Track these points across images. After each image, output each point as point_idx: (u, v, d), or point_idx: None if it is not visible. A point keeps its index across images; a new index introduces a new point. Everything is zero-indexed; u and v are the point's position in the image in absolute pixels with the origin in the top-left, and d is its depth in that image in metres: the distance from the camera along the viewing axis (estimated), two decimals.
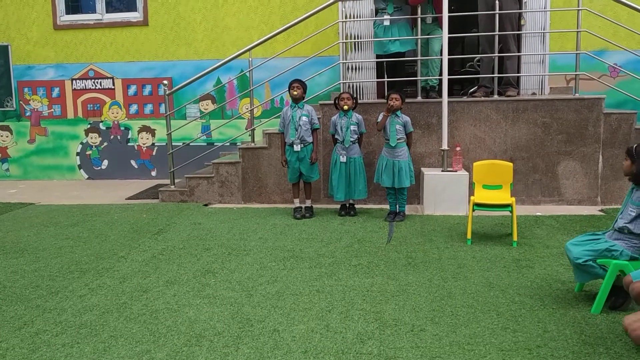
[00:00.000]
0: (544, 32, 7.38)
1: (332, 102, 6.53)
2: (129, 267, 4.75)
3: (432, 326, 3.49)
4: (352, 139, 6.26)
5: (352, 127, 6.27)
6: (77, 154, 9.32)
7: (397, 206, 6.20)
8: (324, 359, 3.12)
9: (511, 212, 5.19)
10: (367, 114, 6.79)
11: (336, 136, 6.36)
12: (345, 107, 6.19)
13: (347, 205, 6.49)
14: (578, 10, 6.67)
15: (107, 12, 9.01)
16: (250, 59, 7.33)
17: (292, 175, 6.44)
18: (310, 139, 6.37)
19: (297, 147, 6.30)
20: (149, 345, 3.32)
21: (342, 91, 6.78)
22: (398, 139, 6.04)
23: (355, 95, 6.56)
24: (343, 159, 6.27)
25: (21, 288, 4.33)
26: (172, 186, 7.45)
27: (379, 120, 6.23)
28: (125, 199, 7.63)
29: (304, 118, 6.30)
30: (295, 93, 6.31)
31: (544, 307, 3.74)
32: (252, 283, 4.31)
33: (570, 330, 3.39)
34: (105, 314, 3.80)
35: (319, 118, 6.70)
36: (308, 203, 6.52)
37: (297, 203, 6.50)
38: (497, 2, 6.70)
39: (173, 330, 3.53)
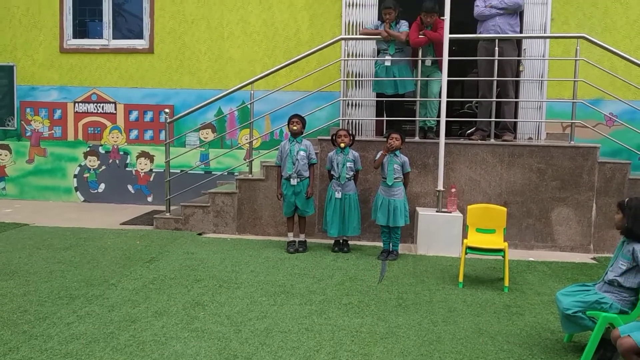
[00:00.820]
0: (542, 80, 7.53)
1: (330, 138, 6.56)
2: (119, 296, 4.74)
3: None
4: (347, 176, 6.32)
5: (348, 164, 6.31)
6: (75, 176, 9.35)
7: (391, 245, 6.21)
8: None
9: (503, 257, 5.20)
10: (364, 150, 6.86)
11: (332, 172, 6.42)
12: (342, 145, 6.29)
13: (341, 241, 6.50)
14: (576, 60, 6.80)
15: (113, 38, 9.14)
16: (252, 91, 7.42)
17: (288, 209, 6.45)
18: (306, 174, 6.41)
19: (293, 181, 6.33)
20: None
21: (340, 128, 6.82)
22: (395, 178, 6.08)
23: (352, 133, 6.58)
24: (338, 195, 6.32)
25: (9, 312, 4.31)
26: (168, 213, 7.46)
27: (376, 157, 6.26)
28: (120, 224, 7.63)
29: (301, 153, 6.36)
30: (294, 128, 6.38)
31: (532, 357, 3.74)
32: (242, 318, 4.29)
33: None
34: (92, 343, 3.78)
35: (316, 153, 6.78)
36: (302, 237, 6.52)
37: (290, 237, 6.49)
38: (497, 48, 6.83)
39: None
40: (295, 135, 6.42)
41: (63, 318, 4.21)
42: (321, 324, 4.22)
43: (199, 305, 4.54)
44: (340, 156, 6.33)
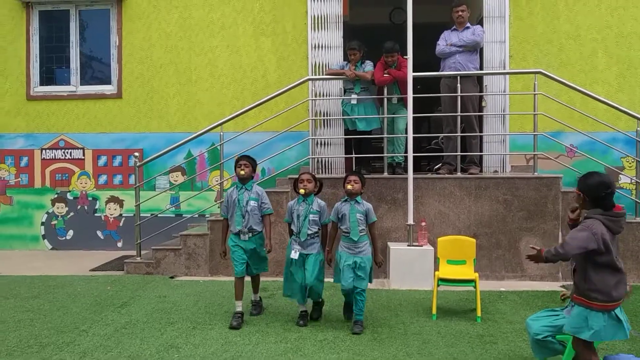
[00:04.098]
0: (504, 114, 7.78)
1: (292, 184, 5.64)
2: (90, 342, 4.65)
3: None
4: (310, 232, 5.08)
5: (311, 217, 5.10)
6: (42, 223, 9.20)
7: (354, 313, 4.99)
8: None
9: (475, 287, 5.28)
10: (334, 187, 6.93)
11: (292, 226, 5.24)
12: (302, 192, 5.11)
13: (306, 312, 5.22)
14: (534, 94, 7.07)
15: (82, 84, 9.17)
16: (221, 132, 7.49)
17: (238, 268, 5.24)
18: (259, 228, 5.30)
19: (244, 237, 5.23)
20: None
21: (303, 171, 5.76)
22: (360, 232, 4.99)
23: (319, 178, 5.37)
24: (294, 254, 5.08)
25: None
26: (138, 258, 7.38)
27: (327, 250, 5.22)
28: (90, 270, 7.51)
29: (252, 203, 5.25)
30: (242, 172, 5.25)
31: None
32: (217, 358, 4.25)
33: None
34: None
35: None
36: (256, 297, 5.52)
37: (238, 307, 5.16)
38: (458, 85, 7.07)
39: None
40: (243, 181, 5.30)
41: None
42: None
43: (173, 348, 4.48)
44: (302, 206, 5.13)
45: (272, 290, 6.28)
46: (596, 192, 3.46)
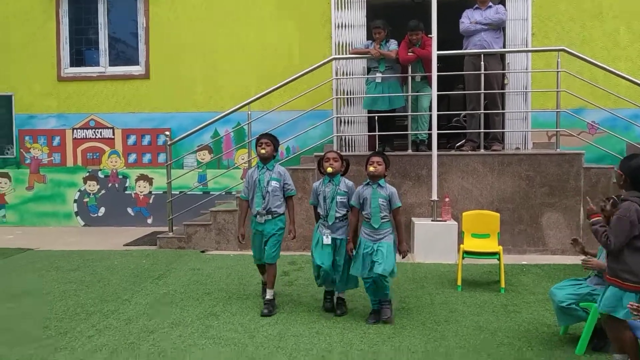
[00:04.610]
0: (526, 91, 7.87)
1: (316, 164, 5.16)
2: (133, 310, 4.92)
3: None
4: (338, 214, 4.74)
5: (339, 198, 4.75)
6: (75, 201, 9.52)
7: (379, 300, 4.65)
8: None
9: (499, 259, 5.46)
10: (359, 164, 7.07)
11: (318, 209, 4.88)
12: (330, 170, 4.74)
13: (335, 299, 4.91)
14: (557, 71, 7.15)
15: (110, 65, 9.40)
16: (249, 112, 7.68)
17: (257, 253, 5.05)
18: (281, 210, 4.97)
19: (260, 219, 4.90)
20: None
21: (329, 149, 5.45)
22: (382, 218, 4.57)
23: (346, 157, 4.97)
24: (327, 239, 4.73)
25: (31, 329, 4.48)
26: (171, 233, 7.66)
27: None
28: (124, 245, 7.80)
29: (273, 183, 4.92)
30: (263, 151, 4.93)
31: (531, 348, 3.98)
32: (254, 325, 4.50)
33: None
34: (115, 353, 3.97)
35: (309, 172, 5.85)
36: (269, 295, 4.94)
37: (269, 294, 4.94)
38: (482, 62, 7.17)
39: None
40: (265, 160, 4.98)
41: (83, 332, 4.39)
42: (330, 327, 4.44)
43: (212, 315, 4.74)
44: (328, 187, 4.78)
45: (300, 263, 6.51)
46: (637, 174, 3.45)
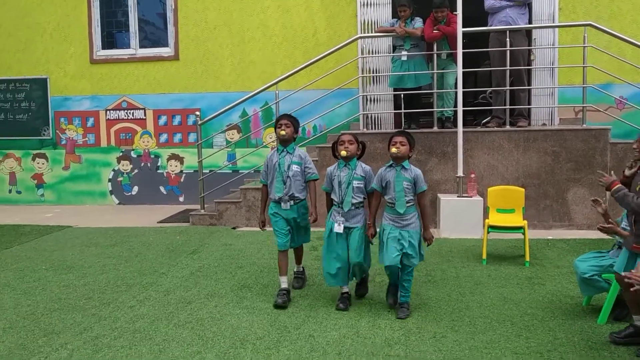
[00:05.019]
0: (552, 67, 7.87)
1: (331, 146, 4.71)
2: (171, 282, 5.17)
3: (452, 333, 3.88)
4: (355, 201, 4.41)
5: (355, 183, 4.42)
6: (109, 180, 9.83)
7: (399, 295, 4.41)
8: None
9: (523, 234, 5.57)
10: (384, 142, 7.19)
11: (332, 195, 4.56)
12: (344, 153, 4.41)
13: (348, 293, 4.54)
14: (584, 47, 7.13)
15: (140, 47, 9.62)
16: (277, 91, 7.84)
17: (282, 239, 4.70)
18: (302, 195, 4.73)
19: (285, 205, 4.68)
20: (199, 347, 3.73)
21: (344, 132, 5.09)
22: (407, 202, 4.29)
23: (361, 140, 4.63)
24: (339, 227, 4.43)
25: (75, 299, 4.76)
26: (202, 210, 7.91)
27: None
28: (157, 222, 8.08)
29: (294, 167, 4.66)
30: (283, 133, 4.65)
31: (554, 318, 4.11)
32: None
33: (577, 338, 3.76)
34: (156, 321, 4.21)
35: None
36: (299, 268, 5.10)
37: (283, 282, 4.66)
38: (508, 39, 7.18)
39: (218, 335, 3.93)
40: (285, 142, 4.72)
41: (125, 302, 4.65)
42: (357, 299, 4.62)
43: (245, 287, 4.97)
44: (343, 172, 4.46)
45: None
46: None
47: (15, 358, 3.65)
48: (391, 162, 4.38)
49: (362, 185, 4.45)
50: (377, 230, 4.46)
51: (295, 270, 5.09)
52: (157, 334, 3.98)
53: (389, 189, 4.33)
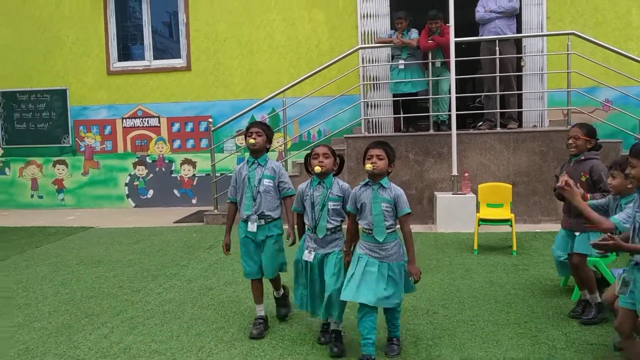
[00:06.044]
0: (541, 73, 8.43)
1: (304, 160, 3.97)
2: (192, 273, 5.74)
3: (443, 310, 4.43)
4: (330, 225, 3.75)
5: (331, 205, 3.75)
6: (126, 184, 10.42)
7: (389, 329, 3.75)
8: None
9: (511, 226, 6.12)
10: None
11: (305, 218, 3.90)
12: (318, 169, 3.72)
13: (330, 330, 3.81)
14: (567, 54, 7.69)
15: (154, 59, 10.23)
16: (284, 98, 8.42)
17: (249, 267, 4.12)
18: (275, 214, 4.07)
19: (252, 227, 4.02)
20: (222, 324, 4.30)
21: (321, 143, 4.28)
22: (387, 229, 3.53)
23: (339, 153, 3.98)
24: (309, 255, 3.79)
25: (108, 288, 5.33)
26: (216, 210, 8.48)
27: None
28: (173, 222, 8.66)
29: (265, 181, 4.04)
30: (252, 142, 4.01)
31: (533, 297, 4.66)
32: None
33: (552, 312, 4.31)
34: (182, 304, 4.78)
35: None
36: (279, 293, 4.37)
37: (259, 311, 4.14)
38: (497, 48, 7.75)
39: (238, 314, 4.50)
40: (255, 154, 4.09)
41: (153, 290, 5.22)
42: None
43: None
44: (317, 191, 3.80)
45: None
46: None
47: (65, 333, 4.22)
48: (367, 179, 3.62)
49: (338, 207, 3.77)
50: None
51: (275, 295, 4.36)
52: (185, 314, 4.54)
53: (365, 212, 3.56)
